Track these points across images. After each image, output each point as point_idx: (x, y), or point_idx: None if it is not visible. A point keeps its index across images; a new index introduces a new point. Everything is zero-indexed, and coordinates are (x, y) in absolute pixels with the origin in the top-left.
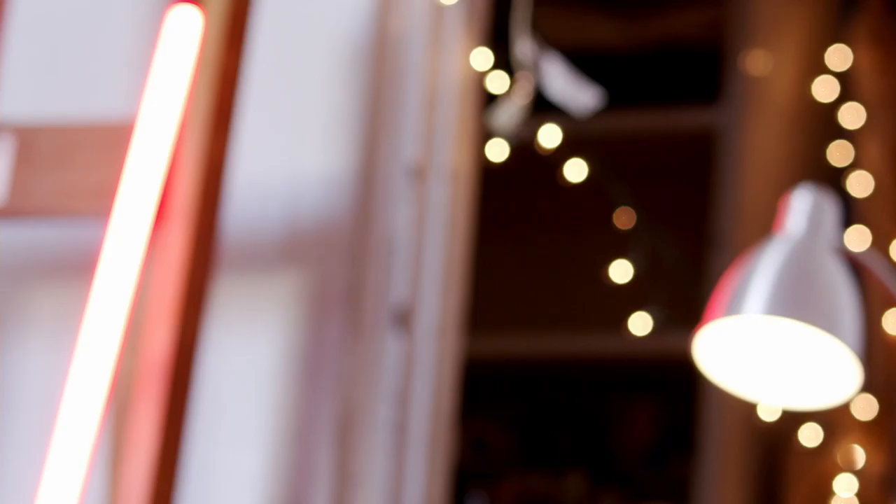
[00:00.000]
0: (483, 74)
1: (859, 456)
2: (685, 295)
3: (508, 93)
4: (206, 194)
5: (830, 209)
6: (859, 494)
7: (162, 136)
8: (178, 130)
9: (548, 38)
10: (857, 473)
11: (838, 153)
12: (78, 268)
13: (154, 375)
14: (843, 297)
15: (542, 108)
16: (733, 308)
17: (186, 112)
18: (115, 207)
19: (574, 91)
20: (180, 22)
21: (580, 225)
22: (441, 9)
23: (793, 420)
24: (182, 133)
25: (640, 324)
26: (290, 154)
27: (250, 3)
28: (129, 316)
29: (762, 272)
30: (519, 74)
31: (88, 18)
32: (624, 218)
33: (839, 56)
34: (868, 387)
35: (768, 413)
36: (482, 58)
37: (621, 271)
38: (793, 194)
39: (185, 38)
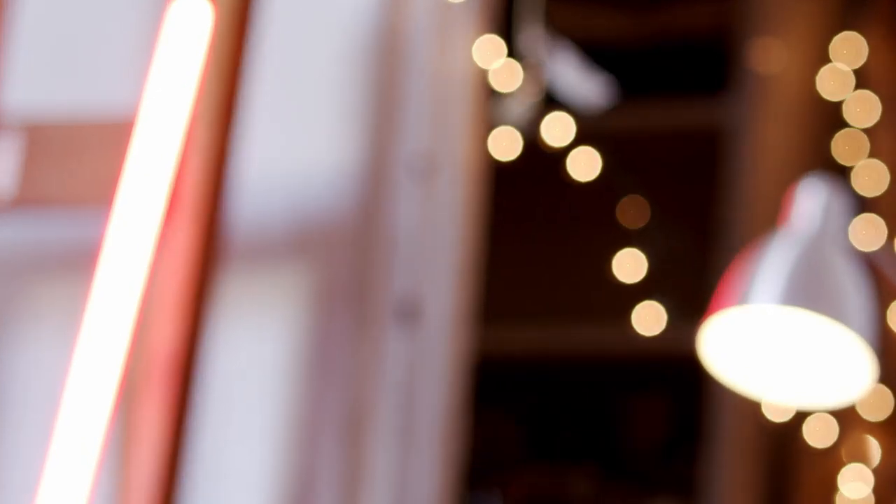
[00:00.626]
0: (491, 69)
1: (872, 452)
2: (694, 290)
3: (518, 87)
4: (211, 189)
5: (838, 199)
6: (874, 491)
7: (168, 130)
8: (184, 125)
9: (555, 31)
10: (872, 471)
11: (848, 146)
12: (87, 263)
13: (160, 372)
14: (854, 288)
15: (552, 102)
16: (741, 298)
17: (194, 106)
18: (122, 201)
19: (584, 84)
20: (188, 14)
21: (588, 220)
22: (449, 4)
23: (803, 415)
24: (189, 127)
25: (650, 319)
26: (298, 149)
27: None
28: (136, 311)
29: (770, 263)
30: (528, 67)
31: (96, 11)
32: (632, 213)
33: (850, 48)
34: (879, 383)
35: (777, 414)
36: (491, 52)
37: (630, 266)
38: (800, 185)
39: (192, 30)
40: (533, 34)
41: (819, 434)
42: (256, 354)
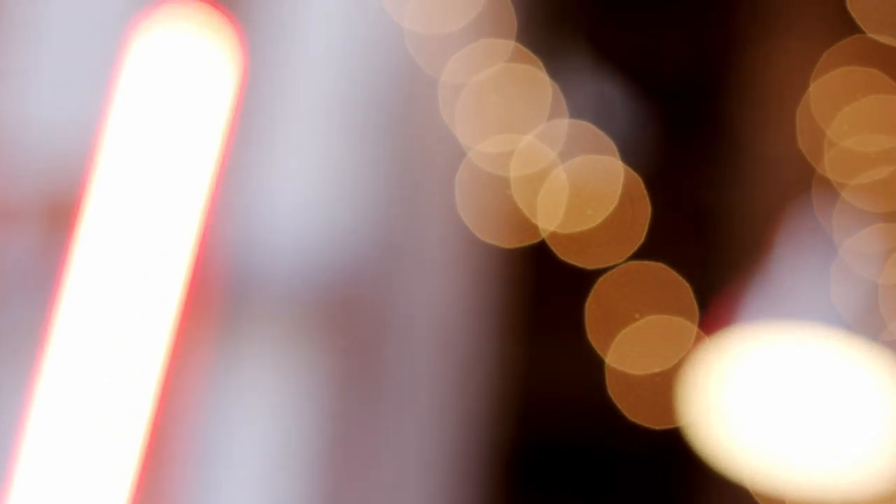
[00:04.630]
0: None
1: None
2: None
3: (545, 162)
4: (210, 262)
5: (825, 226)
6: None
7: (189, 196)
8: (205, 192)
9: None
10: None
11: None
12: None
13: (154, 456)
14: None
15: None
16: (752, 315)
17: (215, 172)
18: (139, 266)
19: (624, 121)
20: (211, 77)
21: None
22: (474, 81)
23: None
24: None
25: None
26: (313, 219)
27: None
28: (154, 382)
29: (765, 286)
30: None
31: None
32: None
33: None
34: None
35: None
36: (515, 131)
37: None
38: (787, 217)
39: (215, 92)
40: (574, 72)
41: None
42: (273, 414)
